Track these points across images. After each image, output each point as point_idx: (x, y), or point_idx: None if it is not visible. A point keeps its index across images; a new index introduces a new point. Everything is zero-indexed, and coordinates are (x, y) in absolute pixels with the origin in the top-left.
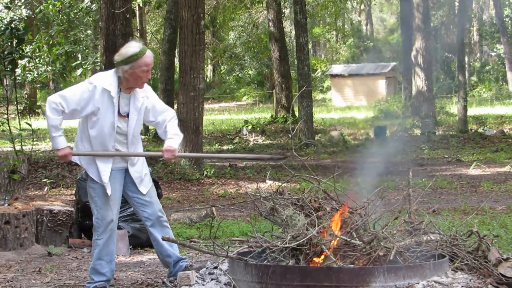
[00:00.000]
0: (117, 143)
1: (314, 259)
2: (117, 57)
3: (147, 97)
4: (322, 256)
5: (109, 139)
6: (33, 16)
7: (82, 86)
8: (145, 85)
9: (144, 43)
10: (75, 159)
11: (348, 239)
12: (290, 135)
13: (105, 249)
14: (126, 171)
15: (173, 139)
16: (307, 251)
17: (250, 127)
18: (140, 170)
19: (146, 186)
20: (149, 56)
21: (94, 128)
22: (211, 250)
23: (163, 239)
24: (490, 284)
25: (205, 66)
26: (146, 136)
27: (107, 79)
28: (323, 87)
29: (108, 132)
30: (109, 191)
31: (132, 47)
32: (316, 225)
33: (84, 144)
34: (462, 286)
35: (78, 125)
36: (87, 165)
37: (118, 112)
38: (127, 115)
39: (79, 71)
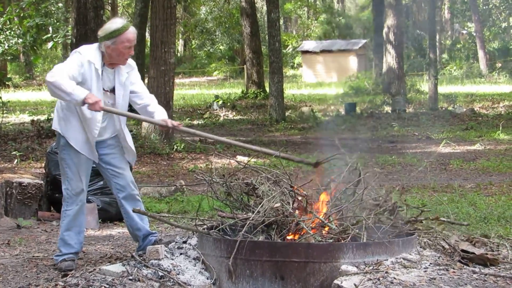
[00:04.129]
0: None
1: (288, 235)
2: (100, 33)
3: (132, 69)
4: (297, 233)
5: (96, 113)
6: None
7: (74, 57)
8: (130, 59)
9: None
10: (55, 126)
11: (324, 221)
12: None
13: (74, 220)
14: (102, 143)
15: (162, 111)
16: (282, 227)
17: (220, 102)
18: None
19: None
20: (131, 32)
21: None
22: (187, 225)
23: (134, 211)
24: (458, 262)
25: (176, 40)
26: None
27: (92, 52)
28: (294, 63)
29: None
30: (92, 157)
31: (115, 23)
32: (291, 203)
33: (71, 120)
34: (431, 263)
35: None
36: (70, 133)
37: (102, 87)
38: (113, 91)
39: (49, 44)
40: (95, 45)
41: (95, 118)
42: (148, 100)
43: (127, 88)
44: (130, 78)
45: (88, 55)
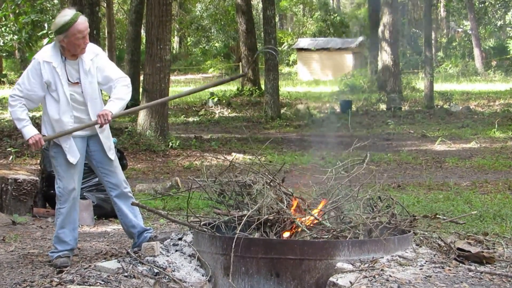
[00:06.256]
0: (76, 111)
1: (284, 233)
2: (53, 27)
3: (96, 55)
4: (293, 230)
5: (65, 108)
6: None
7: (29, 65)
8: (93, 46)
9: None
10: (43, 131)
11: (320, 219)
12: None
13: (68, 218)
14: (89, 139)
15: (113, 102)
16: (277, 225)
17: (216, 99)
18: (109, 137)
19: (113, 154)
20: (81, 23)
21: (50, 101)
22: (183, 221)
23: (133, 204)
24: (454, 260)
25: (172, 37)
26: None
27: (47, 51)
28: (290, 60)
29: (62, 102)
30: (71, 159)
31: (64, 16)
32: (284, 201)
33: (46, 116)
34: (426, 261)
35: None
36: (51, 132)
37: (68, 80)
38: (80, 81)
39: (45, 41)
40: (53, 42)
41: (63, 120)
42: (113, 91)
43: (94, 75)
44: (97, 64)
45: (43, 56)
